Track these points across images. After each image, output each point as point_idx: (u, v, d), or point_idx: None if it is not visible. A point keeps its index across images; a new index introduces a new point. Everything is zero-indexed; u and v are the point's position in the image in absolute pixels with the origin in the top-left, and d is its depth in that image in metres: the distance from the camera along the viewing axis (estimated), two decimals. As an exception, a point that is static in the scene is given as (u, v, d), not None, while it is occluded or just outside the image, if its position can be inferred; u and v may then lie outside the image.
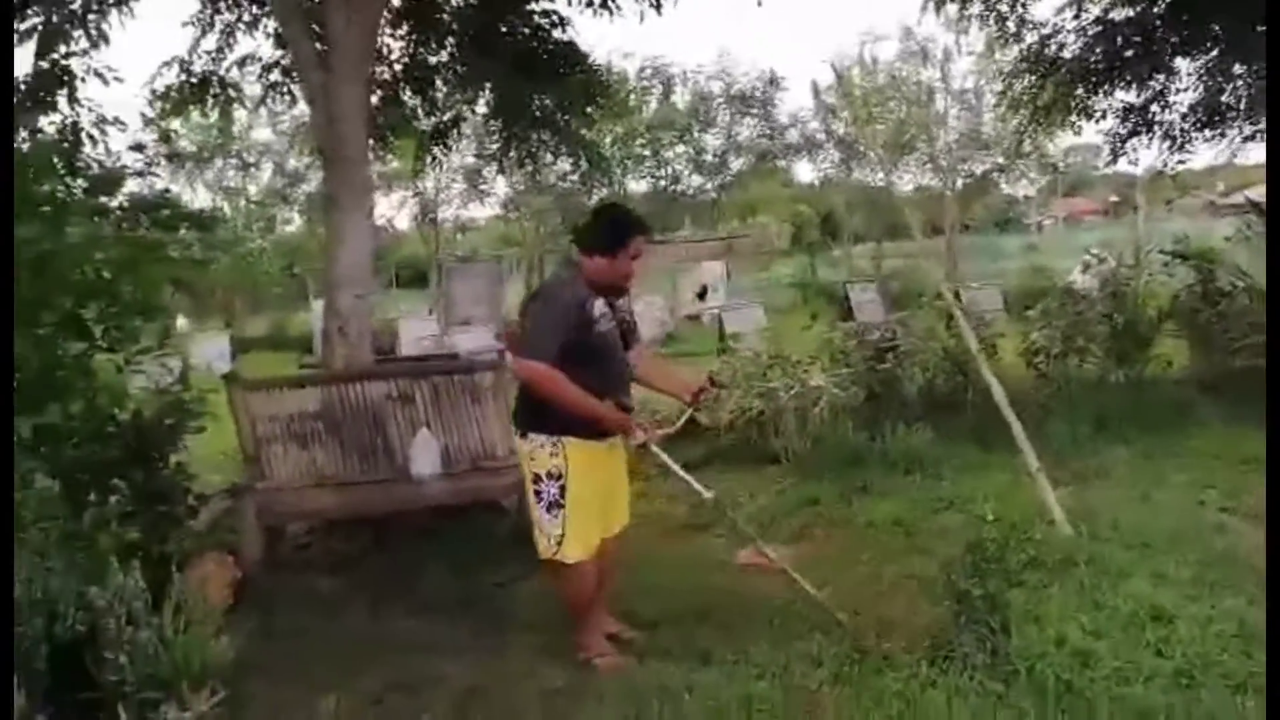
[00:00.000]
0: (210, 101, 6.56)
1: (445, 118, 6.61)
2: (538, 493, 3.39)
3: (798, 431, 5.96)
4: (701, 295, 17.81)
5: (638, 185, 23.75)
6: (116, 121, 5.42)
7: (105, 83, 5.52)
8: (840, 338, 7.12)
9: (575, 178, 21.58)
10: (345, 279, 4.95)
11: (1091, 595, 3.58)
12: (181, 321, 15.05)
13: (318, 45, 5.00)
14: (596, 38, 36.89)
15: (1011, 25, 8.50)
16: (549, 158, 6.60)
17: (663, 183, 22.77)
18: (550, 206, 22.44)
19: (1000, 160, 20.07)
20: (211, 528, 4.61)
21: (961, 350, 6.73)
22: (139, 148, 5.01)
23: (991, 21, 8.54)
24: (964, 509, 4.88)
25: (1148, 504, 4.82)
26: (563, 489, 3.34)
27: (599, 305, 3.37)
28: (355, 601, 4.29)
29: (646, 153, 20.96)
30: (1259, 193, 9.08)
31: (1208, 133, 8.77)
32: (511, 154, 6.51)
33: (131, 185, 4.72)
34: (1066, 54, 8.51)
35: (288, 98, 6.65)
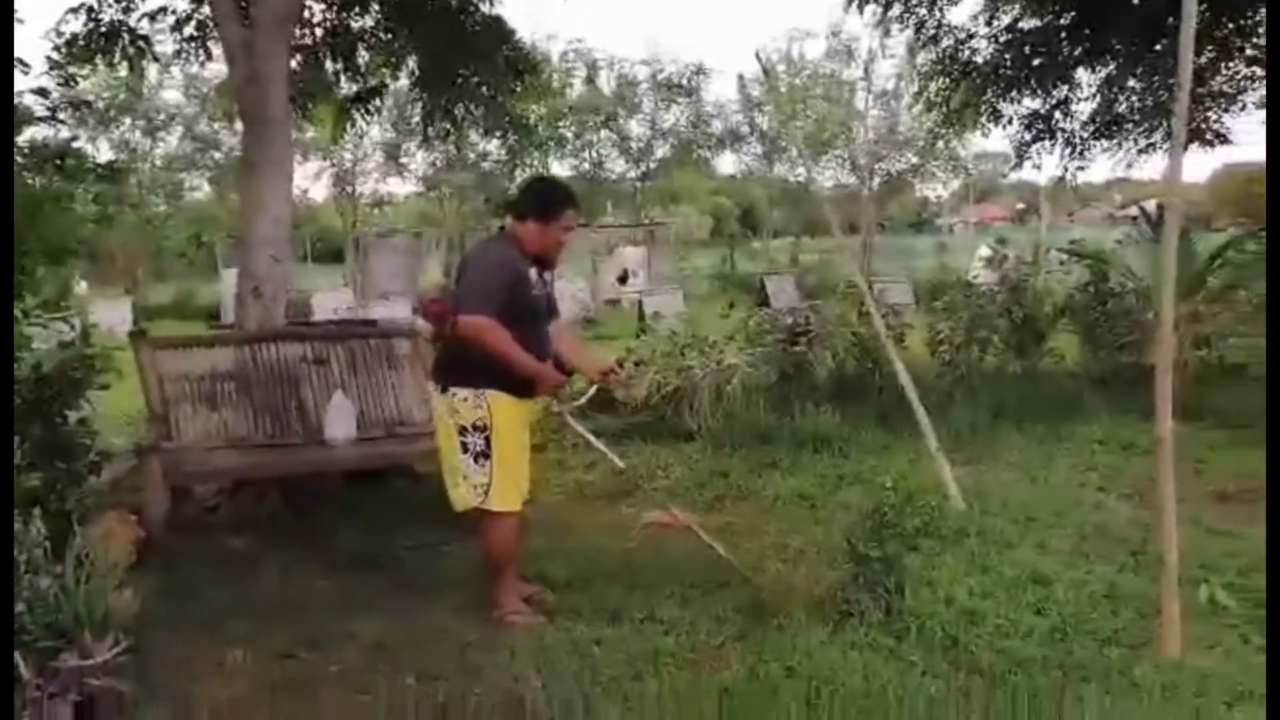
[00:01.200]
0: (118, 54, 6.30)
1: (368, 85, 6.50)
2: (464, 444, 3.43)
3: (712, 409, 6.11)
4: (623, 280, 17.90)
5: (561, 168, 23.69)
6: (20, 63, 5.17)
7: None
8: (755, 320, 7.29)
9: (499, 156, 21.51)
10: (261, 240, 4.86)
11: (980, 562, 3.81)
12: (81, 285, 14.40)
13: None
14: (521, 14, 36.52)
15: (929, 29, 8.81)
16: (473, 132, 6.54)
17: (586, 166, 22.74)
18: (471, 184, 22.19)
19: (914, 160, 20.70)
20: (114, 487, 4.49)
21: (871, 336, 6.99)
22: (42, 92, 4.81)
23: (910, 24, 8.84)
24: (866, 485, 5.09)
25: (1035, 484, 5.12)
26: (488, 440, 3.41)
27: (531, 270, 3.50)
28: (264, 562, 4.23)
29: (570, 135, 20.87)
30: (1151, 205, 9.63)
31: (1105, 142, 9.28)
32: (435, 126, 6.44)
33: (32, 134, 4.54)
34: (979, 59, 8.89)
35: (202, 54, 6.45)
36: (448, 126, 6.37)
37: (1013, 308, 7.28)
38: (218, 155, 19.76)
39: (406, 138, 20.17)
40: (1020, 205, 45.56)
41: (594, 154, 22.26)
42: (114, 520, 4.15)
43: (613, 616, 3.49)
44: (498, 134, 6.50)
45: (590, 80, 20.56)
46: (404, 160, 21.09)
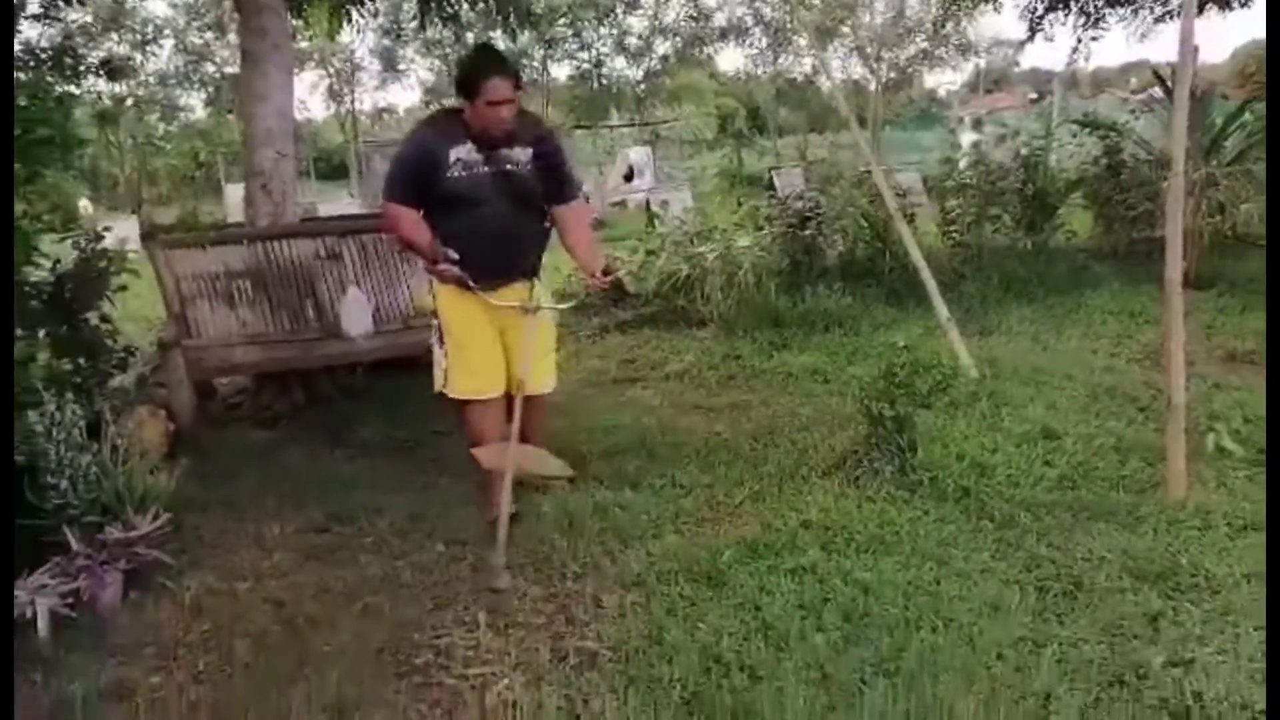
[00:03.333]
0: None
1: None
2: (434, 328, 3.42)
3: (723, 294, 6.12)
4: (628, 178, 17.68)
5: (560, 68, 23.18)
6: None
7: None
8: (765, 205, 7.23)
9: (509, 50, 21.01)
10: (265, 134, 4.82)
11: (991, 421, 3.88)
12: (85, 204, 14.33)
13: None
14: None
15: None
16: (474, 18, 6.34)
17: (586, 66, 22.22)
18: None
19: (924, 45, 20.10)
20: (140, 383, 4.59)
21: (881, 218, 6.95)
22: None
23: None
24: (877, 358, 5.14)
25: (1046, 350, 5.17)
26: (441, 325, 3.36)
27: (460, 150, 3.17)
28: (291, 450, 4.36)
29: (568, 33, 20.33)
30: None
31: (1120, 9, 8.98)
32: (432, 20, 6.24)
33: (29, 35, 4.48)
34: (990, -74, 8.55)
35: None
36: (446, 19, 6.17)
37: (1024, 184, 7.19)
38: (210, 69, 19.36)
39: (402, 44, 19.75)
40: (1033, 95, 44.35)
41: (593, 53, 21.74)
42: (145, 413, 4.28)
43: (633, 484, 3.59)
44: (502, 28, 6.22)
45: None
46: (402, 68, 20.62)
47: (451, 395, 3.37)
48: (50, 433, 2.90)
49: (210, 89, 19.74)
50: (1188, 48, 3.06)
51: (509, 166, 3.22)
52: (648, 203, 14.41)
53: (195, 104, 22.20)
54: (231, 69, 19.76)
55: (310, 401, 4.98)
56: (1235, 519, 2.91)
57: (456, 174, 3.16)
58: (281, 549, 3.27)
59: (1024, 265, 6.89)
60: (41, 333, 3.77)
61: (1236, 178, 6.64)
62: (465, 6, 6.21)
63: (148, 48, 18.31)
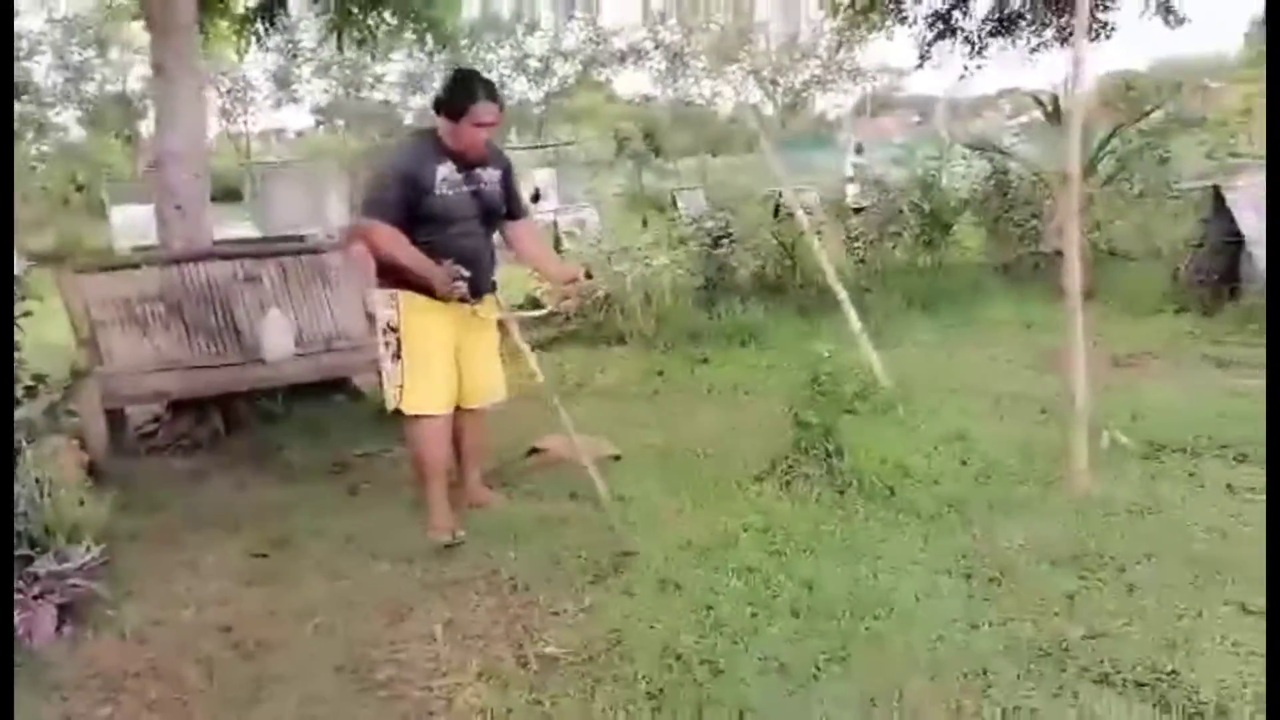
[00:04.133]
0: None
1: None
2: (386, 344, 3.41)
3: (642, 311, 6.27)
4: (535, 199, 17.71)
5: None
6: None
7: None
8: (680, 227, 7.44)
9: (396, 80, 20.88)
10: (179, 155, 4.72)
11: (908, 426, 4.12)
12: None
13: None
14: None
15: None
16: (386, 38, 6.34)
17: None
18: (363, 115, 21.54)
19: (817, 71, 20.90)
20: (50, 413, 4.39)
21: (789, 238, 7.25)
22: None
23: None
24: (793, 370, 5.35)
25: (951, 360, 5.50)
26: (399, 340, 3.36)
27: (444, 169, 3.30)
28: (215, 477, 4.28)
29: (469, 55, 20.32)
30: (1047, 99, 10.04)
31: (1001, 40, 9.61)
32: (349, 37, 6.22)
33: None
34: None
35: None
36: (360, 41, 6.15)
37: (921, 203, 7.60)
38: (89, 88, 18.53)
39: (296, 65, 19.35)
40: (916, 118, 46.57)
41: (495, 75, 21.77)
42: (57, 443, 4.11)
43: (571, 495, 3.67)
44: (416, 44, 6.24)
45: (486, -2, 19.94)
46: (296, 89, 20.20)
47: (409, 411, 3.38)
48: (11, 546, 2.79)
49: (89, 108, 18.89)
50: (1080, 74, 3.36)
51: (483, 185, 3.39)
52: (555, 224, 14.52)
53: (69, 123, 21.23)
54: (112, 87, 19.02)
55: (230, 428, 4.87)
56: (1133, 506, 3.19)
57: (442, 193, 3.26)
58: (220, 576, 3.21)
59: (923, 280, 7.29)
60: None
61: (1110, 197, 7.19)
62: (380, 28, 6.21)
63: (21, 63, 17.39)
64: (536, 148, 22.11)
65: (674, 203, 16.28)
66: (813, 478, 3.52)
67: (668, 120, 29.33)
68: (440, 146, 3.32)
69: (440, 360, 3.40)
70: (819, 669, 2.32)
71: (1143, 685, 2.21)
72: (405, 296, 3.33)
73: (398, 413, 3.43)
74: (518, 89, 22.53)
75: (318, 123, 26.46)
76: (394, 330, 3.37)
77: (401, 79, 21.23)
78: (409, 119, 25.40)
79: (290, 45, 17.90)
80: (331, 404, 5.13)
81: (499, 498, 3.73)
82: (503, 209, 3.53)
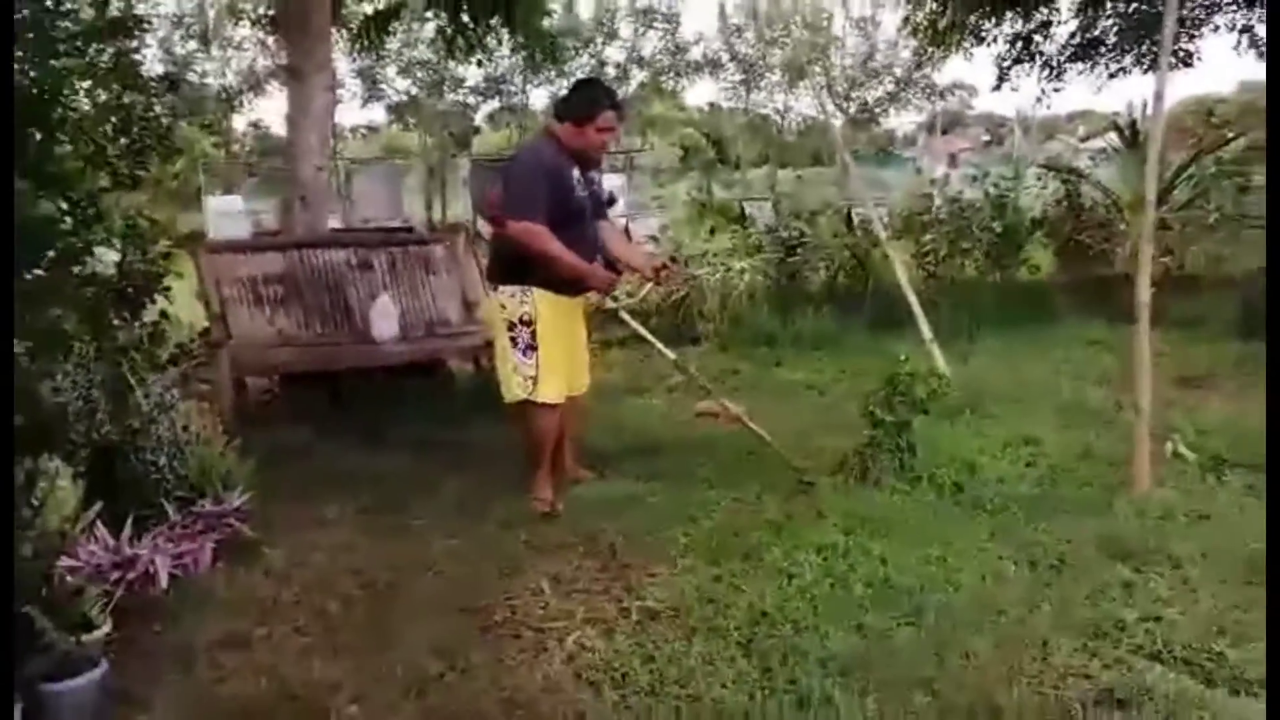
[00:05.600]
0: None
1: (387, 4, 6.68)
2: (513, 339, 3.62)
3: (719, 314, 6.55)
4: (610, 203, 18.08)
5: (538, 94, 23.65)
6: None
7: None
8: (756, 234, 7.71)
9: (476, 83, 21.45)
10: (307, 149, 5.16)
11: (975, 429, 4.34)
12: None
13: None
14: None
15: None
16: (500, 45, 6.76)
17: (563, 92, 22.68)
18: (441, 115, 22.20)
19: (891, 88, 20.99)
20: (184, 379, 4.84)
21: (863, 249, 7.48)
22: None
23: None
24: (864, 376, 5.59)
25: (1017, 372, 5.67)
26: (534, 334, 3.59)
27: (575, 171, 3.58)
28: (326, 444, 4.66)
29: (547, 62, 20.79)
30: (1110, 137, 10.12)
31: (1080, 65, 9.70)
32: (457, 43, 6.65)
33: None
34: (964, -18, 9.21)
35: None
36: (473, 41, 6.57)
37: (993, 221, 7.76)
38: (192, 81, 19.43)
39: (383, 65, 20.07)
40: (985, 138, 46.09)
41: (571, 82, 22.24)
42: (193, 406, 4.55)
43: (658, 478, 3.96)
44: (528, 61, 6.67)
45: (570, 6, 20.44)
46: (382, 87, 20.92)
47: (541, 400, 3.63)
48: (152, 413, 3.20)
49: (189, 101, 19.81)
50: (1160, 103, 3.56)
51: (594, 187, 3.70)
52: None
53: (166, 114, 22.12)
54: (211, 81, 19.94)
55: (336, 402, 5.28)
56: (1191, 511, 3.38)
57: (577, 193, 3.57)
58: (344, 529, 3.58)
59: (993, 297, 7.43)
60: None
61: (1185, 223, 7.27)
62: (489, 37, 6.62)
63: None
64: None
65: (742, 212, 16.56)
66: (885, 471, 3.77)
67: (736, 130, 29.60)
68: (564, 149, 3.58)
69: (566, 353, 3.70)
70: (893, 630, 2.58)
71: (1191, 664, 2.43)
72: (540, 293, 3.57)
73: (521, 402, 3.68)
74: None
75: (391, 121, 27.23)
76: (527, 325, 3.59)
77: (480, 83, 21.73)
78: (477, 119, 26.08)
79: (376, 45, 18.48)
80: (429, 384, 5.52)
81: (593, 476, 4.02)
82: (601, 208, 3.84)
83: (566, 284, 3.59)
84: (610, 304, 3.85)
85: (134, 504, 3.13)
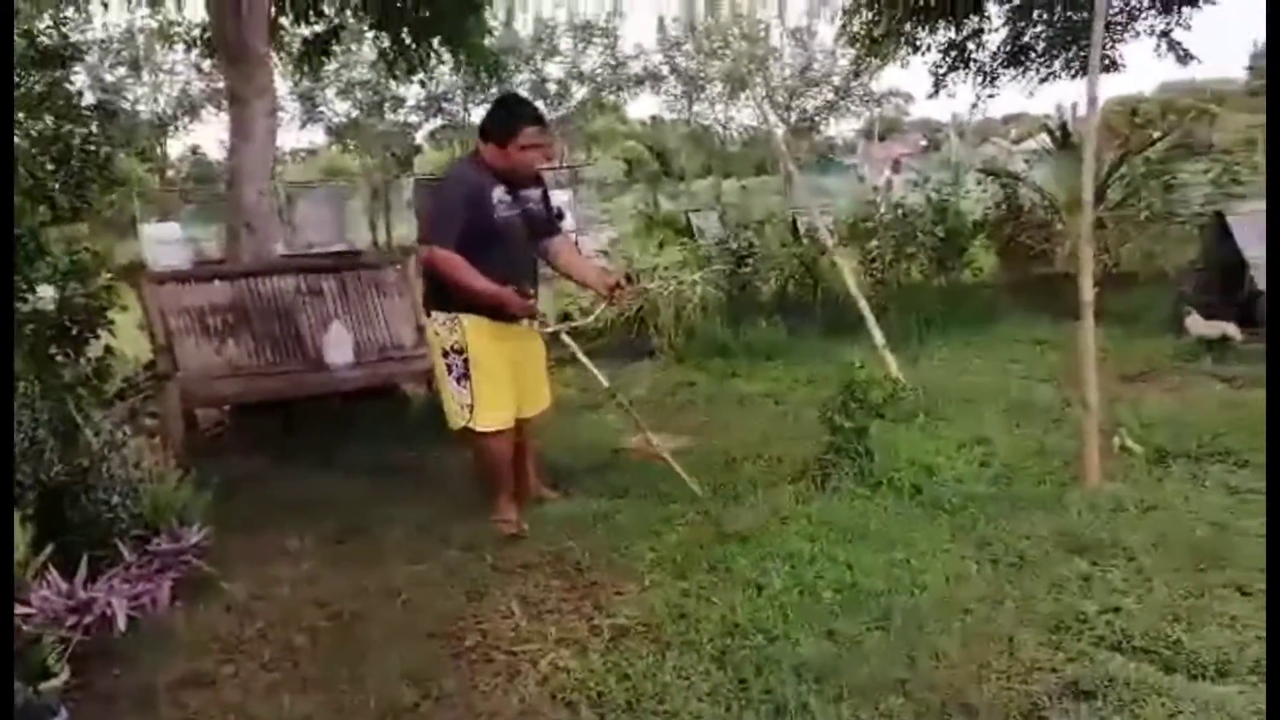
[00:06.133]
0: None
1: (326, 26, 6.62)
2: (448, 366, 3.57)
3: (673, 327, 6.59)
4: (558, 218, 18.06)
5: (478, 112, 23.58)
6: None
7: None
8: (705, 246, 7.77)
9: (416, 102, 21.37)
10: (250, 175, 5.08)
11: (930, 432, 4.42)
12: None
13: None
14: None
15: (852, -38, 9.33)
16: (441, 65, 6.75)
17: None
18: (382, 135, 22.04)
19: (829, 96, 21.36)
20: (131, 414, 4.72)
21: (810, 258, 7.58)
22: None
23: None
24: (820, 384, 5.67)
25: (967, 373, 5.80)
26: (466, 361, 3.53)
27: (498, 192, 3.47)
28: (282, 474, 4.58)
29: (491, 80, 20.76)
30: (1043, 139, 10.43)
31: (1012, 71, 9.99)
32: (399, 64, 6.61)
33: None
34: (897, -7, 9.45)
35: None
36: (413, 61, 6.54)
37: (936, 226, 7.92)
38: (124, 105, 19.01)
39: (321, 86, 19.84)
40: (923, 143, 47.20)
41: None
42: (142, 441, 4.44)
43: (620, 494, 3.97)
44: (473, 77, 6.66)
45: (508, 23, 20.43)
46: (321, 109, 20.69)
47: (481, 429, 3.58)
48: (102, 451, 3.12)
49: (123, 129, 19.38)
50: (1094, 107, 3.69)
51: (529, 205, 3.60)
52: (576, 243, 14.88)
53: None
54: (143, 108, 19.52)
55: (290, 429, 5.19)
56: (1141, 503, 3.48)
57: (499, 214, 3.47)
58: (306, 559, 3.52)
59: (939, 300, 7.58)
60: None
61: (1118, 222, 7.51)
62: (430, 57, 6.59)
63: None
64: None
65: (688, 224, 16.67)
66: (846, 476, 3.82)
67: (679, 142, 29.88)
68: (490, 170, 3.51)
69: (506, 379, 3.61)
70: (863, 635, 2.62)
71: (1150, 652, 2.50)
72: (469, 320, 3.50)
73: (464, 430, 3.64)
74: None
75: (330, 143, 26.97)
76: (459, 353, 3.54)
77: (420, 101, 21.64)
78: (419, 138, 25.94)
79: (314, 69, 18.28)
80: (382, 407, 5.45)
81: (557, 495, 3.99)
82: (545, 226, 3.76)
83: (496, 310, 3.48)
84: (540, 327, 3.68)
85: (86, 545, 3.05)
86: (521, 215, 3.58)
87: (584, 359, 3.92)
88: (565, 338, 3.85)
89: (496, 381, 3.59)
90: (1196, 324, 5.88)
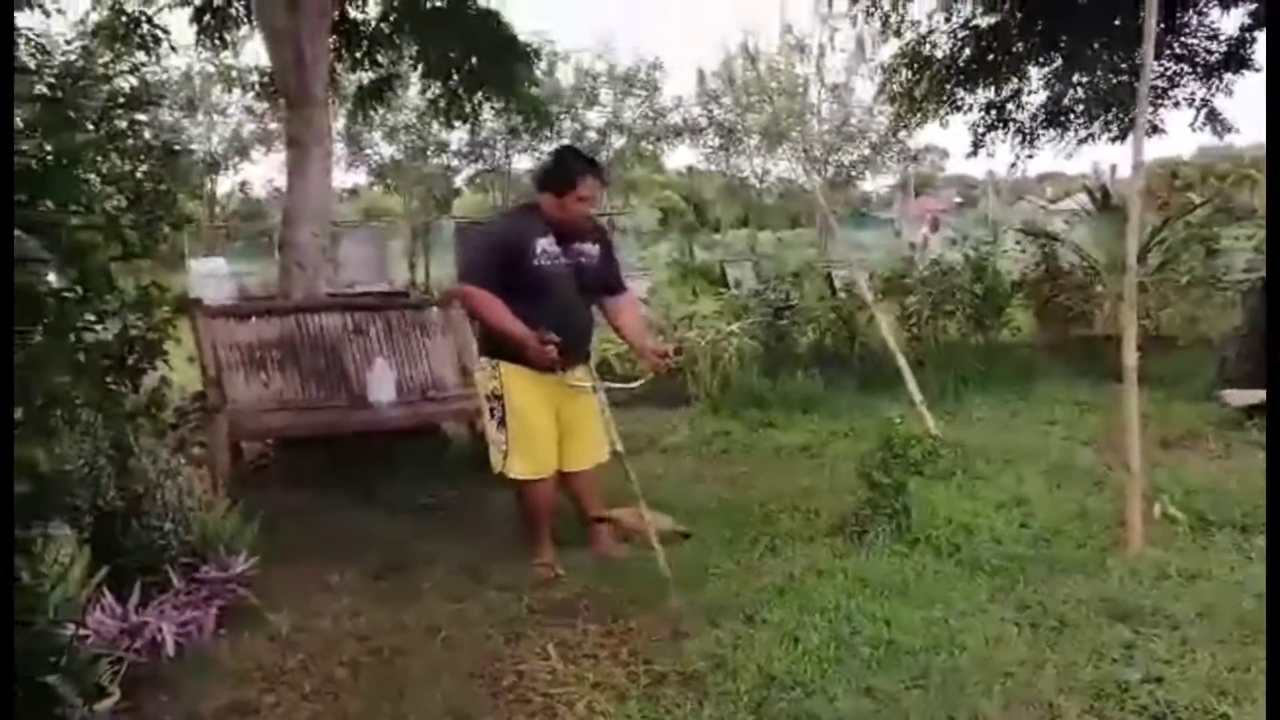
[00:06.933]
0: (136, 42, 6.57)
1: (380, 75, 6.86)
2: (491, 411, 3.66)
3: (709, 376, 6.63)
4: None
5: (520, 159, 24.03)
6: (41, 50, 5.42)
7: (46, 14, 5.53)
8: (744, 296, 7.84)
9: (459, 147, 21.80)
10: (305, 215, 5.25)
11: (968, 490, 4.41)
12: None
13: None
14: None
15: (893, 22, 9.49)
16: (490, 112, 6.98)
17: (544, 159, 23.11)
18: (424, 178, 22.52)
19: (866, 152, 21.52)
20: (181, 444, 4.83)
21: (848, 312, 7.62)
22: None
23: (876, 19, 9.51)
24: (856, 438, 5.67)
25: (1005, 433, 5.77)
26: (504, 408, 3.59)
27: (544, 242, 3.52)
28: (326, 509, 4.65)
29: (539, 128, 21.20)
30: (1081, 200, 10.47)
31: (1051, 131, 10.06)
32: (452, 113, 6.84)
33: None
34: (938, 53, 9.59)
35: (218, 41, 6.73)
36: (465, 110, 6.77)
37: (974, 284, 7.94)
38: (179, 143, 19.59)
39: (368, 128, 20.33)
40: (958, 199, 47.32)
41: (552, 146, 22.65)
42: (191, 471, 4.54)
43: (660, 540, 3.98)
44: (524, 126, 6.87)
45: (550, 72, 20.90)
46: (368, 152, 21.20)
47: (512, 476, 3.64)
48: (159, 479, 3.21)
49: (180, 167, 20.02)
50: (1139, 169, 3.72)
51: (582, 259, 3.65)
52: (638, 307, 15.04)
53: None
54: (197, 147, 20.12)
55: (333, 465, 5.28)
56: (1184, 571, 3.44)
57: (541, 263, 3.54)
58: (348, 593, 3.58)
59: (976, 358, 7.57)
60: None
61: (1159, 285, 7.48)
62: (484, 102, 6.80)
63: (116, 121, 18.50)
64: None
65: (723, 274, 16.79)
66: (883, 533, 3.82)
67: (715, 193, 30.19)
68: (543, 219, 3.58)
69: (542, 428, 3.62)
70: (901, 693, 2.61)
71: (1194, 724, 2.47)
72: (506, 368, 3.56)
73: (501, 475, 3.70)
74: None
75: (372, 184, 27.55)
76: (498, 399, 3.61)
77: (462, 147, 22.10)
78: (458, 181, 26.41)
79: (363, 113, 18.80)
80: (423, 446, 5.53)
81: (625, 547, 3.81)
82: (604, 282, 3.79)
83: (529, 358, 3.47)
84: (587, 383, 3.65)
85: (138, 570, 3.13)
86: (571, 267, 3.61)
87: (608, 415, 3.72)
88: (599, 390, 3.73)
89: (530, 431, 3.61)
90: (1233, 396, 5.82)
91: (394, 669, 2.94)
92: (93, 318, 3.53)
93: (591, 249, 3.70)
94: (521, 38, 7.05)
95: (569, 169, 3.58)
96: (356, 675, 2.91)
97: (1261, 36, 8.90)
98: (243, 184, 26.57)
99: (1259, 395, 5.68)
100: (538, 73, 20.24)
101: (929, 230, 16.23)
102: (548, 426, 3.67)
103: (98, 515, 3.18)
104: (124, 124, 3.58)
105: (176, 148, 5.37)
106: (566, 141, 22.84)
